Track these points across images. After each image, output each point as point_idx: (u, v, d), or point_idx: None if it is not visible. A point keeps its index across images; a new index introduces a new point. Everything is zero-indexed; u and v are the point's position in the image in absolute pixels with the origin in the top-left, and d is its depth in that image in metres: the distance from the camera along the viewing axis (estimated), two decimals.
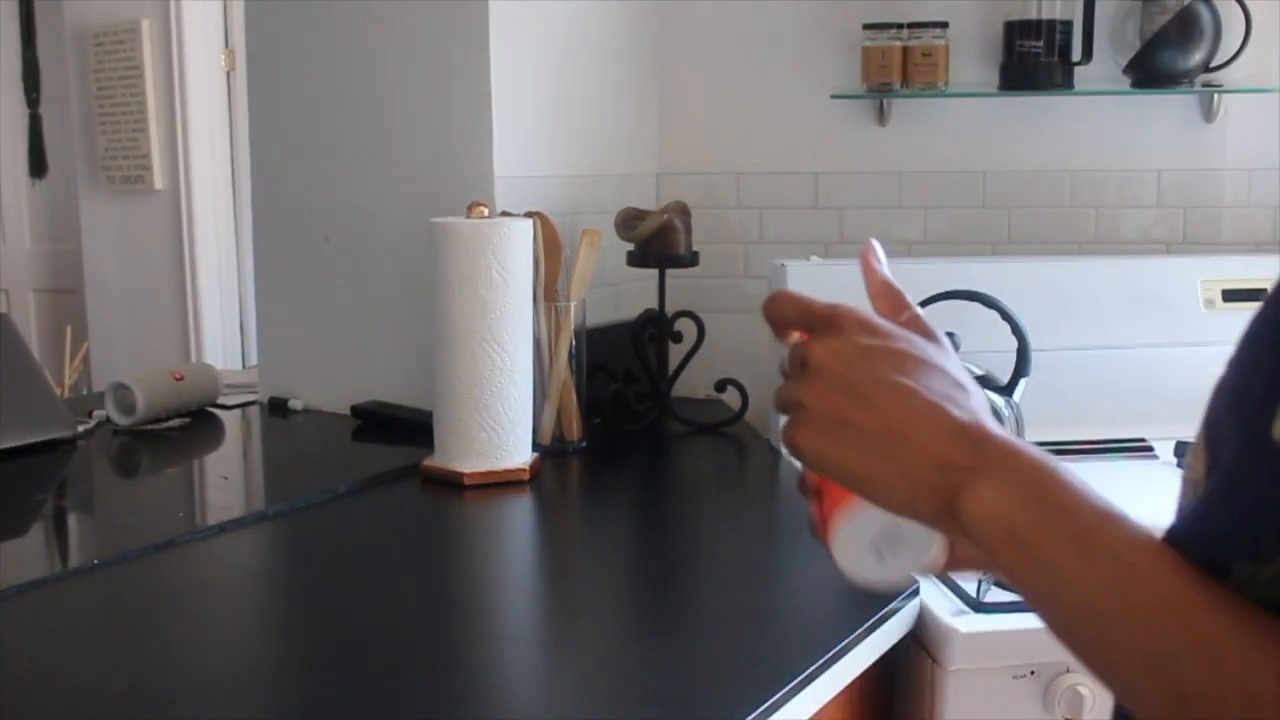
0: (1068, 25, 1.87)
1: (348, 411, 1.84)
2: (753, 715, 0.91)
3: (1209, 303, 1.79)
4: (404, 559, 1.32)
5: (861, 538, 0.65)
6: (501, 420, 1.51)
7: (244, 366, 3.36)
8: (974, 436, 0.57)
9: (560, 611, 1.23)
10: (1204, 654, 0.50)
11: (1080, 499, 0.54)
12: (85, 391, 3.37)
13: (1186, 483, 0.58)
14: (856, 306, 0.62)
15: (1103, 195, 1.97)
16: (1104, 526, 0.53)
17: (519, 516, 1.52)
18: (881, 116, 1.99)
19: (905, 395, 0.58)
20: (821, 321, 0.61)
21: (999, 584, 1.23)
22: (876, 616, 1.11)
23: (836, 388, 0.59)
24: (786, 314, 0.64)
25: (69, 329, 3.54)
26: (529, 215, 1.62)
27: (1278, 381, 0.50)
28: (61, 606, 1.14)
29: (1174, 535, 0.56)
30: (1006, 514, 0.54)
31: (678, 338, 1.86)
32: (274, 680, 1.03)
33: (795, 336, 0.64)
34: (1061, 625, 0.55)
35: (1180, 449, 1.62)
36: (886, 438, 0.57)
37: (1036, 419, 1.50)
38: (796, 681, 0.97)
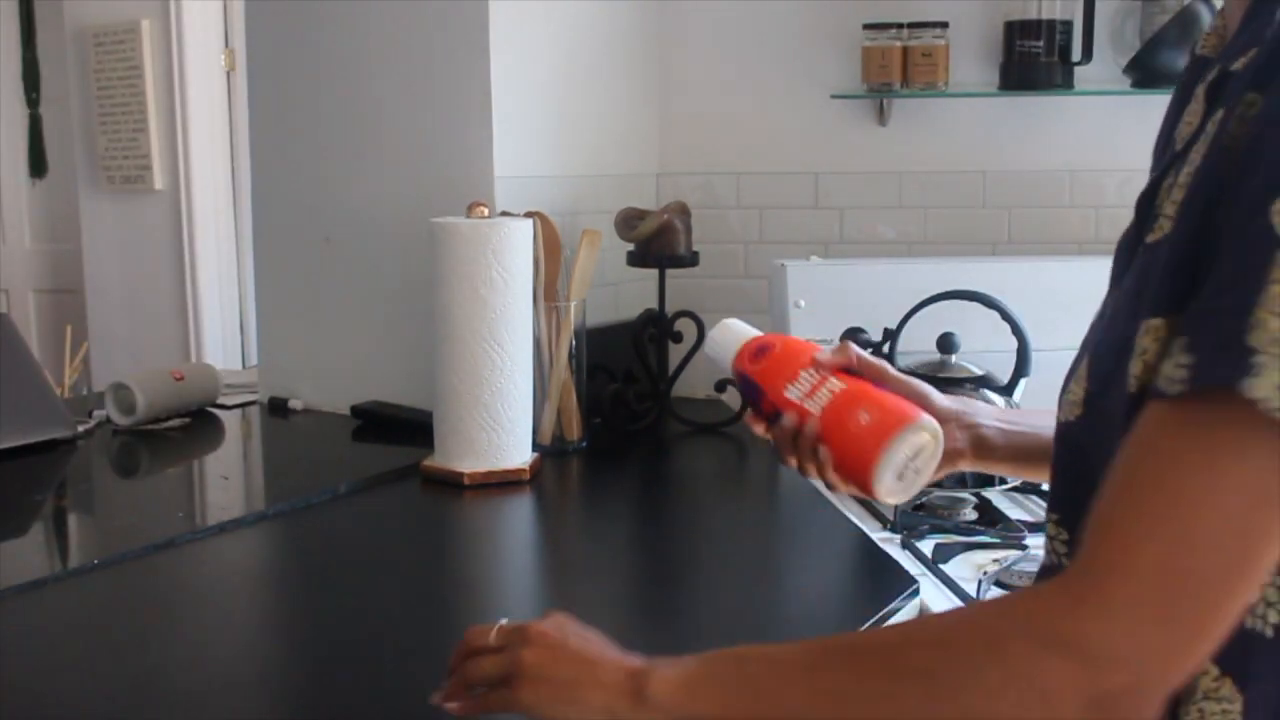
0: (1068, 25, 1.87)
1: (348, 411, 1.84)
2: None
3: None
4: (404, 559, 1.32)
5: (893, 465, 0.84)
6: (501, 420, 1.51)
7: (244, 366, 3.36)
8: (638, 666, 0.72)
9: (560, 611, 1.23)
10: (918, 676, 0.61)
11: (711, 669, 0.69)
12: (85, 391, 3.37)
13: (1065, 403, 0.68)
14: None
15: (1103, 195, 1.97)
16: (710, 669, 0.69)
17: (519, 516, 1.52)
18: (881, 116, 1.99)
19: (578, 650, 0.75)
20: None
21: (998, 583, 1.23)
22: (877, 617, 1.11)
23: (548, 645, 0.76)
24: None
25: (69, 329, 3.54)
26: (529, 215, 1.62)
27: (1141, 316, 0.59)
28: (61, 606, 1.14)
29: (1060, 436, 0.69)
30: (679, 681, 0.69)
31: (678, 338, 1.86)
32: (274, 680, 1.03)
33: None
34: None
35: None
36: (582, 667, 0.74)
37: None
38: None
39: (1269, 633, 0.61)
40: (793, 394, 0.89)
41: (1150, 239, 0.64)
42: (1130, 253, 0.69)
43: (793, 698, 0.65)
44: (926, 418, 0.87)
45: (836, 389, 0.88)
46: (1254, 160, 0.56)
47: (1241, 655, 0.60)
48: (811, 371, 0.89)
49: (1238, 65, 0.62)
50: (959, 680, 0.59)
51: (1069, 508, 0.70)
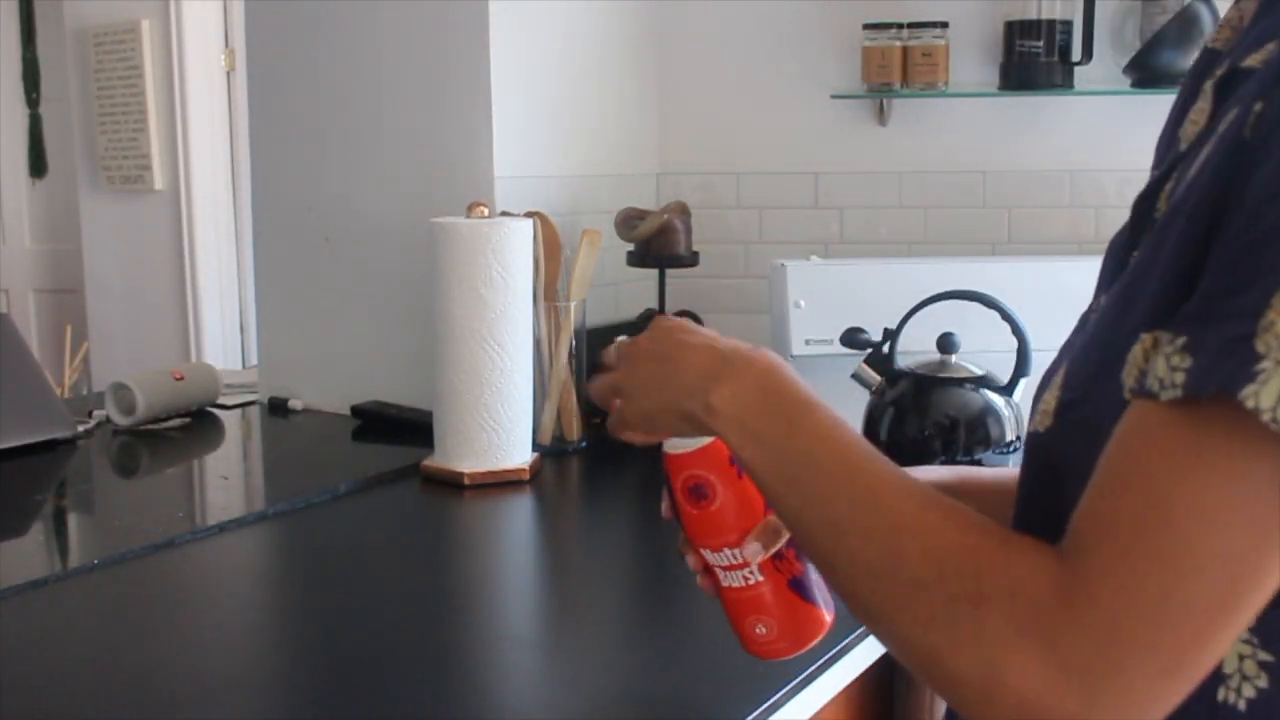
0: (1068, 25, 1.87)
1: (348, 411, 1.84)
2: (753, 715, 0.91)
3: None
4: (404, 559, 1.32)
5: None
6: (501, 420, 1.51)
7: (244, 366, 3.36)
8: (726, 354, 0.73)
9: (560, 611, 1.23)
10: (898, 524, 0.61)
11: (794, 392, 0.69)
12: (85, 391, 3.38)
13: (1037, 412, 0.66)
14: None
15: (1103, 195, 1.97)
16: (810, 413, 0.68)
17: (519, 516, 1.52)
18: (881, 116, 1.99)
19: (683, 343, 0.76)
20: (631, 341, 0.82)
21: None
22: None
23: (646, 356, 0.80)
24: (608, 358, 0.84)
25: (69, 329, 3.54)
26: (529, 215, 1.62)
27: (1134, 328, 0.57)
28: (61, 606, 1.14)
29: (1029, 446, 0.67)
30: (738, 405, 0.70)
31: None
32: (274, 680, 1.03)
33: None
34: (782, 505, 0.68)
35: None
36: (671, 367, 0.76)
37: None
38: (796, 681, 0.97)
39: (1241, 705, 0.58)
40: (714, 559, 0.81)
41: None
42: (1123, 256, 0.65)
43: (803, 503, 0.66)
44: (819, 638, 0.82)
45: (753, 581, 0.80)
46: (1263, 158, 0.52)
47: None
48: (737, 552, 0.79)
49: (1250, 61, 0.59)
50: (935, 612, 0.58)
51: (1035, 523, 0.67)
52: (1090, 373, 0.61)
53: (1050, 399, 0.64)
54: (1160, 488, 0.52)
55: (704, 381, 0.72)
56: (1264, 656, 0.57)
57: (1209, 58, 0.67)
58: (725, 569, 0.81)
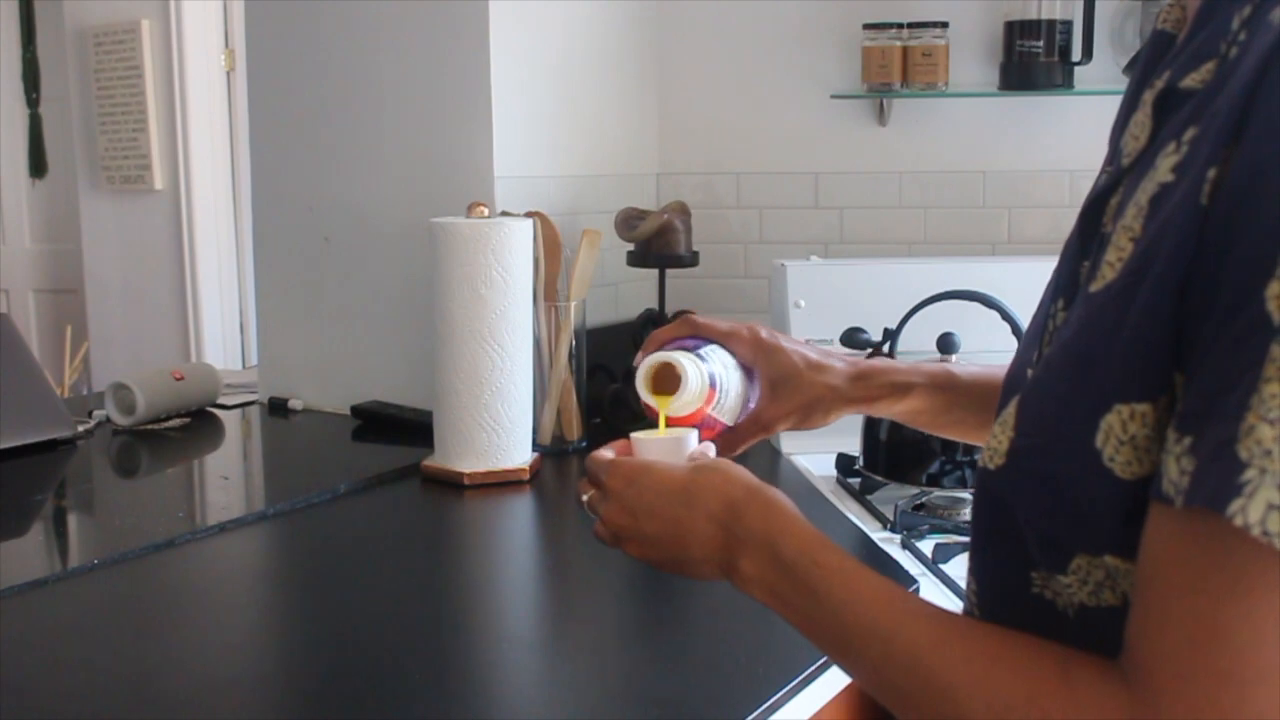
0: (1068, 25, 1.87)
1: (348, 411, 1.84)
2: (753, 715, 0.91)
3: None
4: (404, 559, 1.32)
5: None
6: (501, 420, 1.51)
7: (244, 366, 3.36)
8: (723, 520, 0.75)
9: (560, 612, 1.23)
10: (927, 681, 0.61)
11: (801, 546, 0.70)
12: (85, 391, 3.38)
13: (987, 448, 0.65)
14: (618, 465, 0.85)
15: None
16: (824, 571, 0.69)
17: (519, 516, 1.52)
18: (881, 116, 1.99)
19: (676, 518, 0.79)
20: (599, 475, 0.87)
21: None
22: None
23: (627, 511, 0.84)
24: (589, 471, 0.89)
25: (69, 329, 3.55)
26: (529, 215, 1.62)
27: (1103, 394, 0.56)
28: (62, 606, 1.14)
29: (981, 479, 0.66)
30: (761, 579, 0.72)
31: None
32: (274, 680, 1.03)
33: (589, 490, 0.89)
34: (822, 647, 0.69)
35: None
36: (678, 533, 0.79)
37: None
38: (796, 681, 0.97)
39: None
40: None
41: (1094, 288, 0.59)
42: (1074, 266, 0.65)
43: (853, 667, 0.68)
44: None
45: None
46: (1231, 238, 0.51)
47: None
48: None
49: (1188, 81, 0.58)
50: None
51: (981, 559, 0.70)
52: (1049, 426, 0.60)
53: (1003, 438, 0.63)
54: (1204, 603, 0.51)
55: (721, 555, 0.75)
56: None
57: (1159, 41, 0.67)
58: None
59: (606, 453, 0.87)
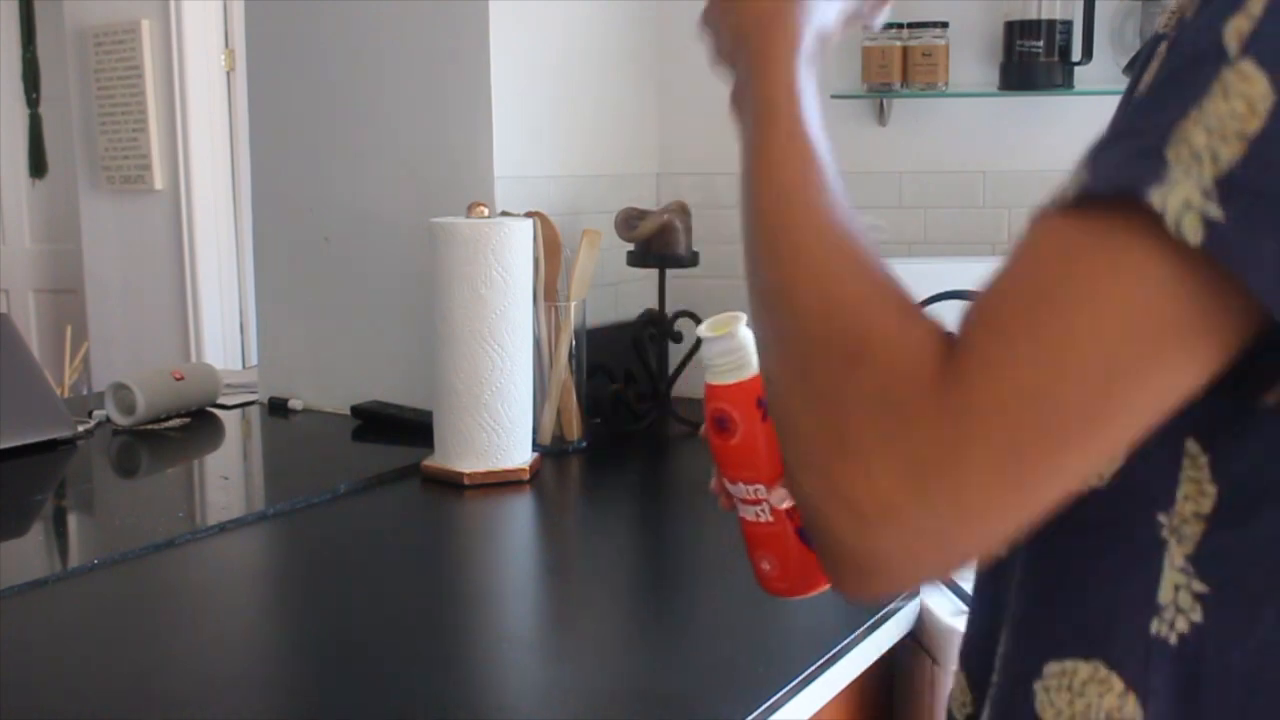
0: (1068, 25, 1.87)
1: (348, 411, 1.84)
2: (753, 715, 0.91)
3: None
4: (404, 559, 1.32)
5: None
6: (501, 420, 1.51)
7: (244, 366, 3.36)
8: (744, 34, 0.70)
9: (560, 611, 1.23)
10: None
11: (773, 85, 0.68)
12: (85, 391, 3.37)
13: None
14: None
15: None
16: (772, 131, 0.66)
17: (519, 516, 1.52)
18: (881, 116, 1.99)
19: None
20: None
21: None
22: (876, 617, 1.11)
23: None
24: None
25: (69, 329, 3.54)
26: (529, 215, 1.62)
27: None
28: (61, 606, 1.14)
29: None
30: (737, 88, 0.69)
31: (678, 338, 1.86)
32: (274, 680, 1.03)
33: None
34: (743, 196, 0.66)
35: None
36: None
37: None
38: (796, 681, 0.97)
39: (1173, 640, 0.55)
40: (733, 490, 0.85)
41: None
42: None
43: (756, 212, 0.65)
44: (822, 589, 0.83)
45: (763, 520, 0.83)
46: (1183, 26, 0.50)
47: (1143, 665, 0.56)
48: (756, 489, 0.83)
49: None
50: (807, 347, 0.54)
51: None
52: None
53: None
54: (1052, 286, 0.48)
55: (733, 56, 0.72)
56: (1199, 587, 0.55)
57: (1156, 43, 0.65)
58: (742, 501, 0.85)
59: None
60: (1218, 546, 0.55)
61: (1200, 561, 0.55)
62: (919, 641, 1.20)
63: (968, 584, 1.20)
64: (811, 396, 0.53)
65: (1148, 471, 0.56)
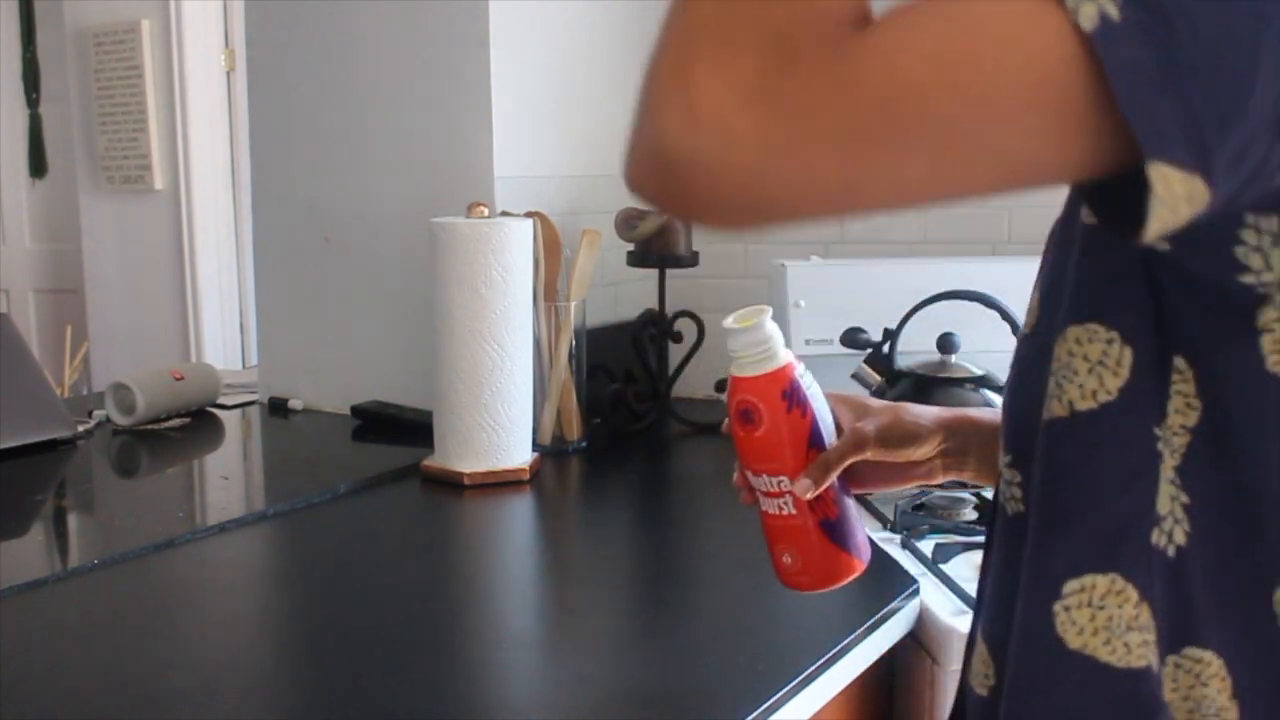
0: None
1: (348, 411, 1.84)
2: (753, 715, 0.91)
3: None
4: (404, 559, 1.32)
5: None
6: (501, 420, 1.51)
7: (244, 366, 3.36)
8: None
9: (560, 612, 1.23)
10: None
11: None
12: (85, 391, 3.37)
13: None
14: None
15: None
16: None
17: (519, 516, 1.52)
18: None
19: None
20: None
21: None
22: (876, 616, 1.11)
23: None
24: None
25: (69, 329, 3.54)
26: (529, 215, 1.62)
27: None
28: (61, 606, 1.14)
29: None
30: None
31: (678, 338, 1.86)
32: (274, 680, 1.03)
33: None
34: None
35: None
36: None
37: None
38: (796, 681, 0.97)
39: (1171, 552, 0.58)
40: (755, 482, 0.85)
41: None
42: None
43: None
44: (844, 581, 0.86)
45: (785, 512, 0.84)
46: None
47: (1148, 575, 0.58)
48: (779, 481, 0.83)
49: None
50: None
51: (1022, 444, 0.65)
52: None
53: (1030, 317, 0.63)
54: (967, 8, 0.47)
55: None
56: (1184, 499, 0.57)
57: None
58: (764, 494, 0.85)
59: None
60: (1199, 462, 0.57)
61: (1185, 474, 0.57)
62: (919, 641, 1.20)
63: (969, 584, 1.20)
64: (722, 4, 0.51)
65: (1145, 387, 0.58)
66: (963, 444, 0.87)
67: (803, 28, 0.49)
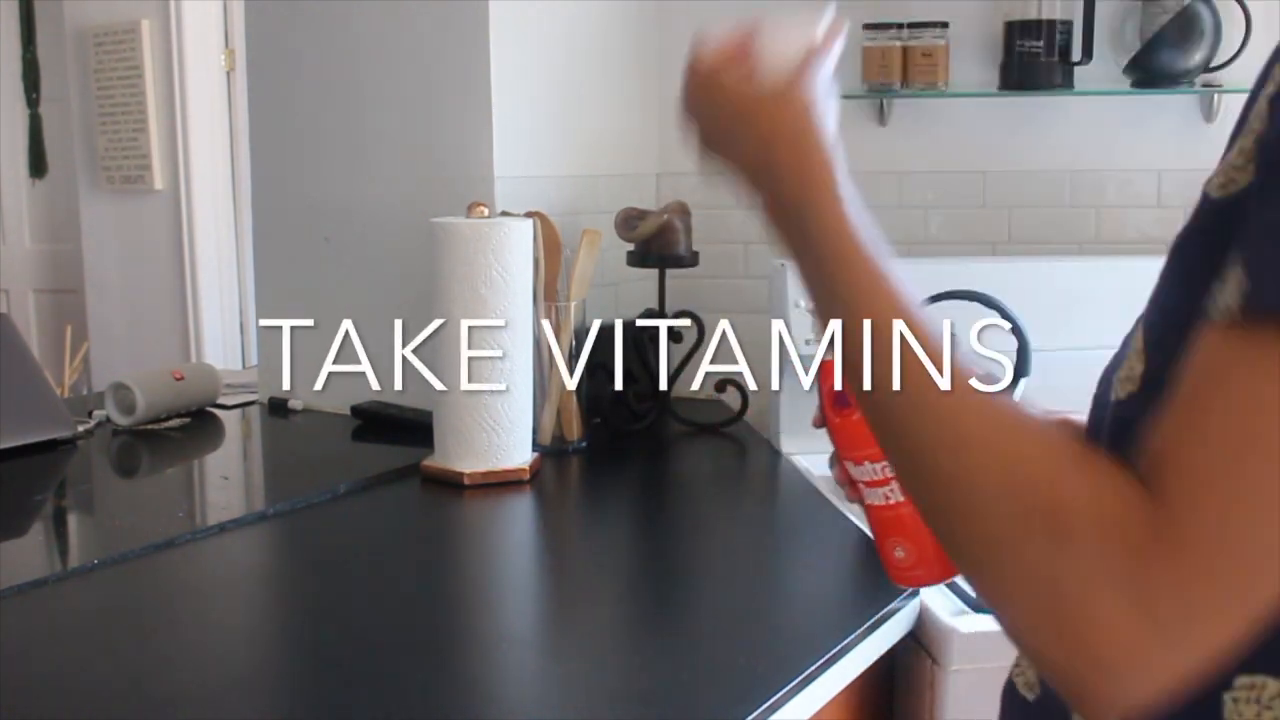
0: (1068, 25, 1.87)
1: (348, 411, 1.84)
2: (753, 715, 0.91)
3: None
4: (404, 559, 1.32)
5: None
6: (501, 420, 1.51)
7: (244, 366, 3.36)
8: (764, 139, 0.70)
9: (560, 611, 1.23)
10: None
11: (832, 227, 0.68)
12: (85, 391, 3.37)
13: (1120, 380, 0.62)
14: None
15: (1103, 195, 1.97)
16: (848, 270, 0.66)
17: (519, 516, 1.52)
18: (881, 116, 1.99)
19: (727, 115, 0.73)
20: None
21: None
22: (876, 616, 1.11)
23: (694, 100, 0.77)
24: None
25: (69, 329, 3.54)
26: (529, 215, 1.62)
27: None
28: (61, 606, 1.14)
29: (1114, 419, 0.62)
30: (782, 234, 0.69)
31: (678, 338, 1.86)
32: (274, 680, 1.03)
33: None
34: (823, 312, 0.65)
35: None
36: (734, 129, 0.72)
37: None
38: (796, 681, 0.97)
39: None
40: (856, 472, 0.82)
41: (1218, 194, 0.57)
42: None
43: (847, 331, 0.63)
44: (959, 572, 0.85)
45: (895, 500, 0.80)
46: None
47: None
48: (883, 466, 0.80)
49: None
50: (1005, 526, 0.54)
51: None
52: (1160, 333, 0.59)
53: (1136, 364, 0.61)
54: (1241, 416, 0.49)
55: (750, 178, 0.71)
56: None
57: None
58: (867, 484, 0.81)
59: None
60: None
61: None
62: (919, 641, 1.20)
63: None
64: (1024, 575, 0.54)
65: None
66: None
67: (1116, 548, 0.51)
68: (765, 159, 0.70)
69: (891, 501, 0.81)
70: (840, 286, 0.65)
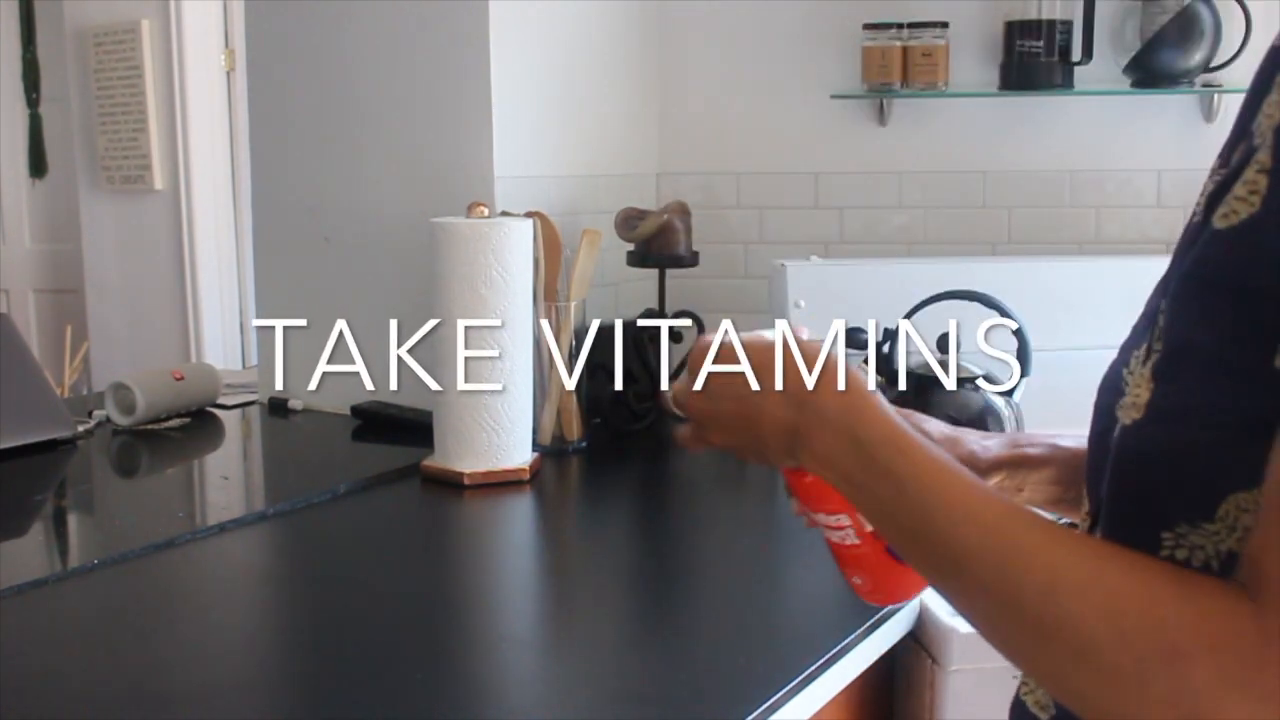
0: (1068, 25, 1.87)
1: (348, 411, 1.84)
2: (753, 715, 0.91)
3: None
4: (404, 559, 1.32)
5: None
6: (501, 420, 1.51)
7: (244, 366, 3.36)
8: (798, 400, 0.71)
9: (560, 612, 1.23)
10: (1008, 554, 0.59)
11: (885, 433, 0.67)
12: (85, 391, 3.37)
13: (1125, 406, 0.63)
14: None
15: (1103, 195, 1.97)
16: (911, 458, 0.65)
17: (519, 516, 1.52)
18: (881, 116, 1.99)
19: (747, 397, 0.73)
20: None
21: None
22: (876, 616, 1.11)
23: (705, 394, 0.76)
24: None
25: (69, 329, 3.54)
26: (529, 215, 1.62)
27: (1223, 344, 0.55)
28: (61, 606, 1.14)
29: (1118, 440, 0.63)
30: (835, 462, 0.69)
31: (678, 338, 1.86)
32: (274, 680, 1.03)
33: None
34: (895, 540, 0.67)
35: None
36: (750, 412, 0.73)
37: (1036, 419, 1.50)
38: (796, 681, 0.97)
39: None
40: (815, 518, 0.84)
41: (1221, 224, 0.58)
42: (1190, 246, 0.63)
43: (936, 564, 0.63)
44: (917, 594, 0.86)
45: (849, 542, 0.83)
46: None
47: None
48: (838, 518, 0.82)
49: None
50: (1122, 673, 0.55)
51: (1104, 530, 0.66)
52: (1197, 371, 0.58)
53: (1142, 391, 0.61)
54: None
55: (789, 440, 0.71)
56: None
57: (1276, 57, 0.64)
58: (825, 527, 0.84)
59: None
60: None
61: None
62: (919, 641, 1.20)
63: None
64: (1154, 701, 0.55)
65: None
66: (1019, 483, 0.88)
67: (1234, 665, 0.53)
68: (832, 427, 0.70)
69: (849, 542, 0.83)
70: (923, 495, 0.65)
